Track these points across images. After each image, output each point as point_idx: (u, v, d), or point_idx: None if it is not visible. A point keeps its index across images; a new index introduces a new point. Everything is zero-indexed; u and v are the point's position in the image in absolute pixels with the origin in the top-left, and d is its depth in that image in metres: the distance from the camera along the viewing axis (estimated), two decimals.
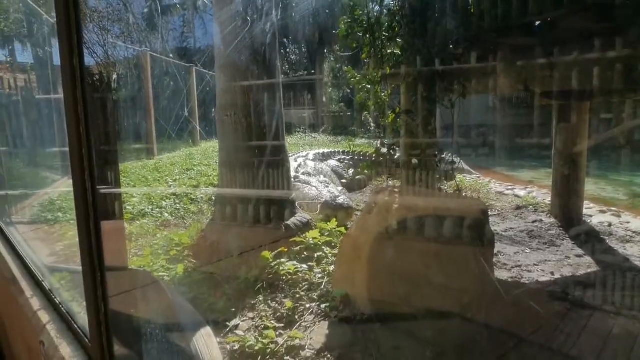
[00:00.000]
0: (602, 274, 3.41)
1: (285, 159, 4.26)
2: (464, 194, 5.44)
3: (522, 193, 6.08)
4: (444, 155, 3.60)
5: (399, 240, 2.72)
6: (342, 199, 4.50)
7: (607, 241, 4.14)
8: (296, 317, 2.64)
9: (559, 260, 3.70)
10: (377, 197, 3.18)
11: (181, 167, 7.18)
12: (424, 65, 3.27)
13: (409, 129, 3.37)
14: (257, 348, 2.29)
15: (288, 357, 2.26)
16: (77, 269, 1.79)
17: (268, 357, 2.25)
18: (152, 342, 1.85)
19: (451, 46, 3.35)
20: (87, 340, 1.73)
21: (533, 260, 3.69)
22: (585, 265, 3.59)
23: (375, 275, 2.69)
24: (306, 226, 3.87)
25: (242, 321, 2.63)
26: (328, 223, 3.82)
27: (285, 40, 14.17)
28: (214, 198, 5.16)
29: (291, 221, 3.86)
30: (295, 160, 6.50)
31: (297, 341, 2.36)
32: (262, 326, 2.54)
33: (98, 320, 1.54)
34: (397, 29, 3.32)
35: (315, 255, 3.34)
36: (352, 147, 8.21)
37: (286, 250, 3.36)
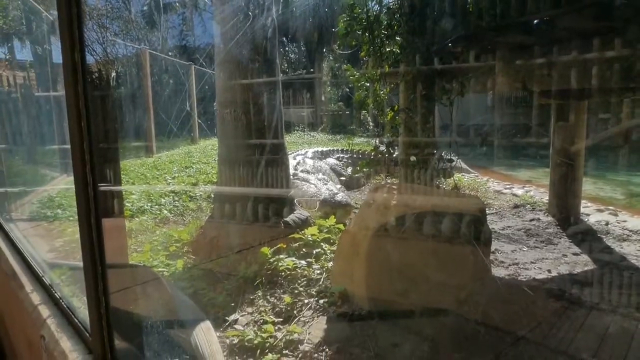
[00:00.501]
0: (599, 272, 3.44)
1: (285, 157, 4.27)
2: (462, 192, 5.47)
3: (519, 192, 6.11)
4: (442, 154, 3.62)
5: (396, 237, 2.74)
6: (340, 196, 4.51)
7: (604, 240, 4.17)
8: (295, 312, 2.66)
9: (556, 258, 3.72)
10: (375, 194, 3.20)
11: (180, 164, 7.18)
12: (423, 63, 3.29)
13: (408, 127, 3.39)
14: (256, 342, 2.31)
15: (287, 351, 2.28)
16: (77, 265, 1.80)
17: (267, 350, 2.26)
18: (153, 336, 1.86)
19: (450, 44, 3.37)
20: (87, 334, 1.75)
21: (530, 258, 3.71)
22: (582, 263, 3.61)
23: (373, 272, 2.70)
24: (305, 223, 3.89)
25: (241, 316, 2.65)
26: (326, 220, 3.83)
27: (284, 39, 14.17)
28: (212, 195, 5.17)
29: (290, 218, 3.88)
30: (294, 158, 6.51)
31: (295, 335, 2.38)
32: (261, 321, 2.55)
33: (99, 313, 1.55)
34: (396, 27, 3.34)
35: (314, 252, 3.36)
36: (350, 145, 8.23)
37: (285, 246, 3.38)
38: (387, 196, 2.99)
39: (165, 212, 4.94)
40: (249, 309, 2.74)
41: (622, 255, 3.75)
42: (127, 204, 4.94)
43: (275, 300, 2.80)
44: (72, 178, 1.57)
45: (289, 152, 5.60)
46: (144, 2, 14.06)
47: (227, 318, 2.60)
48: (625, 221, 4.67)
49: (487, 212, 4.51)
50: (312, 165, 6.44)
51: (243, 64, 3.87)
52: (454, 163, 3.96)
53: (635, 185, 7.07)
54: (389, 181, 4.16)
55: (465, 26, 3.37)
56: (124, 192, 5.21)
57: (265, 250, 3.26)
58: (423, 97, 3.26)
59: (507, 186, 6.56)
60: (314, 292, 2.86)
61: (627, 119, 5.28)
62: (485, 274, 2.80)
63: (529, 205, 5.34)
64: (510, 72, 3.46)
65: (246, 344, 2.32)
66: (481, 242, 2.72)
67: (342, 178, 6.90)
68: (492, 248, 3.65)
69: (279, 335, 2.39)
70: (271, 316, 2.61)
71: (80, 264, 1.61)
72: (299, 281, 3.01)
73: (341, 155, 8.06)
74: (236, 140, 4.01)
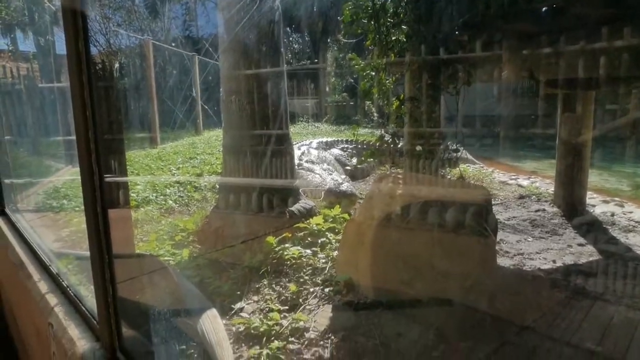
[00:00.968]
0: (604, 262, 3.42)
1: (290, 147, 4.26)
2: (467, 182, 5.44)
3: (525, 183, 6.07)
4: (448, 144, 3.60)
5: (402, 227, 2.74)
6: (345, 186, 4.51)
7: (610, 230, 4.14)
8: (300, 300, 2.67)
9: (561, 248, 3.71)
10: (380, 184, 3.19)
11: (184, 155, 7.19)
12: (429, 52, 3.25)
13: (413, 117, 3.36)
14: (262, 329, 2.32)
15: (292, 338, 2.29)
16: (84, 254, 1.82)
17: (273, 338, 2.28)
18: (160, 323, 1.88)
19: (456, 33, 3.33)
20: (95, 321, 1.77)
21: (535, 248, 3.70)
22: (587, 254, 3.60)
23: (378, 261, 2.71)
24: (310, 212, 3.89)
25: (247, 304, 2.67)
26: (331, 209, 3.83)
27: (288, 29, 14.05)
28: (217, 186, 5.18)
29: (295, 207, 3.88)
30: (299, 149, 6.49)
31: (301, 323, 2.39)
32: (267, 309, 2.57)
33: (106, 302, 1.57)
34: (402, 15, 3.30)
35: (319, 241, 3.36)
36: (355, 136, 8.19)
37: (290, 235, 3.39)
38: (392, 186, 2.98)
39: (171, 202, 4.96)
40: (255, 297, 2.75)
41: (628, 246, 3.73)
42: (132, 195, 4.96)
43: (281, 289, 2.82)
44: (77, 169, 1.57)
45: (294, 143, 5.59)
46: None
47: (233, 306, 2.62)
48: (631, 212, 4.64)
49: (493, 202, 4.49)
50: (317, 155, 6.43)
51: (249, 50, 3.82)
52: (459, 153, 3.94)
53: None
54: (394, 171, 4.14)
55: (472, 14, 3.32)
56: (129, 183, 5.23)
57: (271, 239, 3.27)
58: (429, 86, 3.23)
59: (513, 177, 6.53)
60: (319, 281, 2.87)
61: (635, 110, 5.22)
62: (491, 263, 2.80)
63: (534, 196, 5.32)
64: (517, 61, 3.41)
65: (252, 331, 2.34)
66: (487, 232, 2.72)
67: (347, 168, 6.89)
68: (497, 238, 3.64)
69: (285, 323, 2.41)
70: (277, 304, 2.62)
71: (87, 253, 1.62)
72: (305, 270, 3.01)
73: (346, 146, 8.03)
74: (241, 131, 4.00)
